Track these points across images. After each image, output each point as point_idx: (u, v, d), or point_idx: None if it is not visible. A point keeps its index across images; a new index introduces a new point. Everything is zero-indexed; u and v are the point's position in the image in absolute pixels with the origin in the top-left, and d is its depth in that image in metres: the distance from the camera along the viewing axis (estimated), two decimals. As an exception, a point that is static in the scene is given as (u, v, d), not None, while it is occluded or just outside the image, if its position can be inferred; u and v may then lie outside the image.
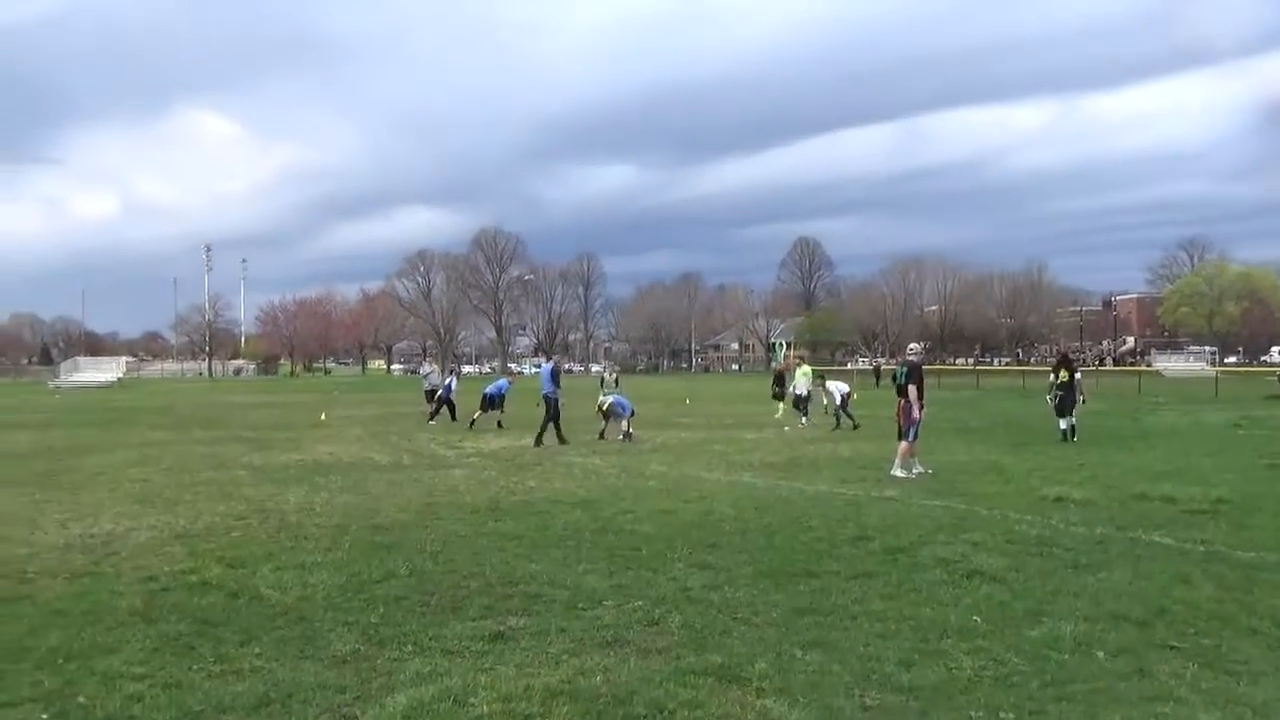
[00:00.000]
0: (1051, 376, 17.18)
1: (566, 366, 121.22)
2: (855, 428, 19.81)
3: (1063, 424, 16.36)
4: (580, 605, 5.83)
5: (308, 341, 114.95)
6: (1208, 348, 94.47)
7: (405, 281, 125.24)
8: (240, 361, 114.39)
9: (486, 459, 14.62)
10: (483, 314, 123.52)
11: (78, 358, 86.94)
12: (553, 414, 17.13)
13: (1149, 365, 75.24)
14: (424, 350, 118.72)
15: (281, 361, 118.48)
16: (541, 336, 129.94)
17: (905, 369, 12.55)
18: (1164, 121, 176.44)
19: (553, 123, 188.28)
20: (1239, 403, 30.77)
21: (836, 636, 5.21)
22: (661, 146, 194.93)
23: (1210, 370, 54.55)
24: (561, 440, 16.94)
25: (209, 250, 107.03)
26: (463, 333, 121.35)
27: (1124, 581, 6.37)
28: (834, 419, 20.58)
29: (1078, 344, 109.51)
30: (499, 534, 8.18)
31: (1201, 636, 5.18)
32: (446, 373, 27.94)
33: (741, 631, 5.32)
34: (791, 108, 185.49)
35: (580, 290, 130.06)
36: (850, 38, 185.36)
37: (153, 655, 4.92)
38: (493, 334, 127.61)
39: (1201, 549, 7.39)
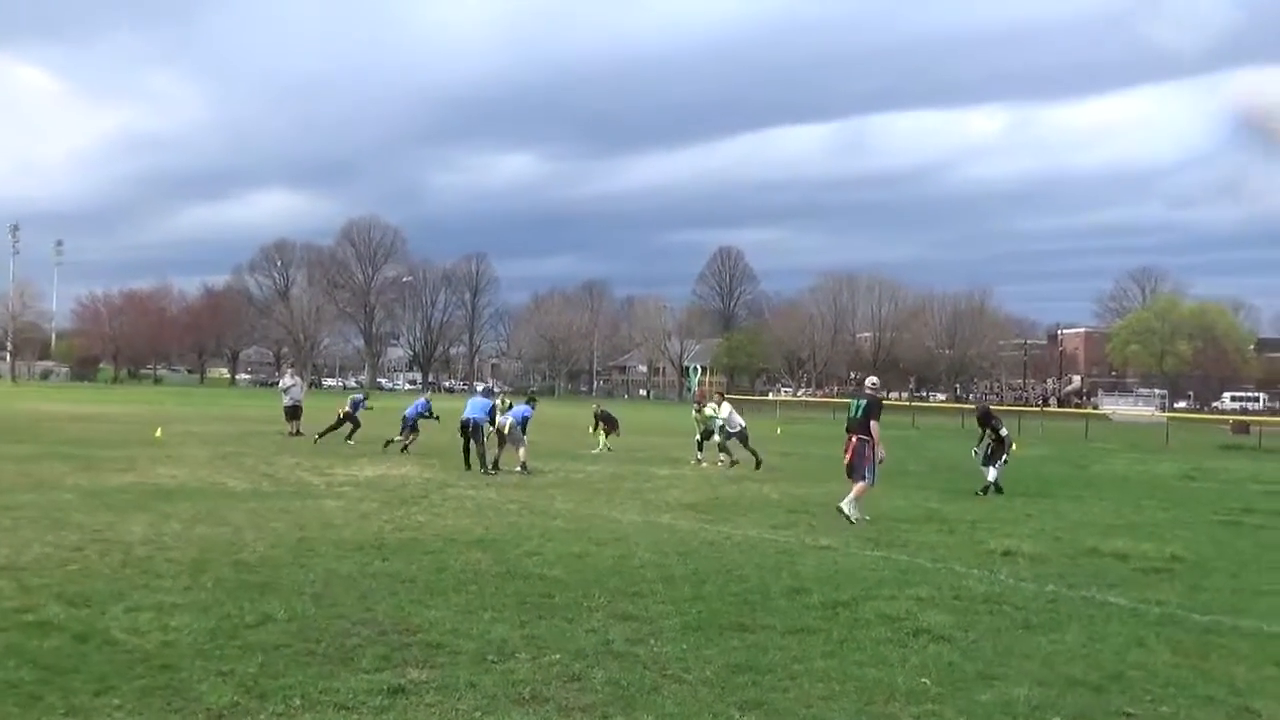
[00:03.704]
0: (980, 430, 17.49)
1: (448, 385, 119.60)
2: (748, 465, 20.08)
3: (991, 474, 16.65)
4: (490, 657, 5.94)
5: (135, 342, 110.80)
6: (1157, 390, 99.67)
7: (259, 277, 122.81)
8: (50, 363, 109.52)
9: (363, 489, 14.51)
10: (350, 319, 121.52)
11: None
12: (478, 439, 18.07)
13: (1096, 407, 79.02)
14: (277, 358, 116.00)
15: (101, 365, 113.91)
16: (418, 348, 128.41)
17: (863, 404, 13.03)
18: (1123, 138, 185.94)
19: (443, 99, 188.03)
20: (1191, 452, 32.72)
21: (776, 697, 5.45)
22: (568, 135, 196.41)
23: (1161, 416, 57.67)
24: (467, 466, 17.96)
25: (16, 230, 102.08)
26: (325, 340, 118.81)
27: (1077, 643, 6.83)
28: (727, 455, 20.55)
29: (1020, 381, 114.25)
30: (388, 575, 8.21)
31: (1159, 704, 5.61)
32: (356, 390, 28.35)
33: (673, 690, 5.51)
34: (719, 99, 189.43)
35: (467, 296, 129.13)
36: (789, 25, 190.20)
37: (-11, 707, 4.83)
38: (361, 343, 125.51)
39: (1157, 610, 7.95)
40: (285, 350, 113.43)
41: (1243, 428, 47.07)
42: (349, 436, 23.51)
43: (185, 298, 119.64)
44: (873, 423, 12.78)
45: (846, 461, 12.97)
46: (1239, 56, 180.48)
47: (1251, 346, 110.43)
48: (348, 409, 24.13)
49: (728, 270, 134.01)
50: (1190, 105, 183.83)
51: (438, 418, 22.61)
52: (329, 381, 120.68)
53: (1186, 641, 6.98)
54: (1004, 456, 16.77)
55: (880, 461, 12.95)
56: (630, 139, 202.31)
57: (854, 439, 12.87)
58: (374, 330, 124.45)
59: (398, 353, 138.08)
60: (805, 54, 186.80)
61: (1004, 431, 16.83)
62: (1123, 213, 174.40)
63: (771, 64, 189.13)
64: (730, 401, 22.91)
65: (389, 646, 6.10)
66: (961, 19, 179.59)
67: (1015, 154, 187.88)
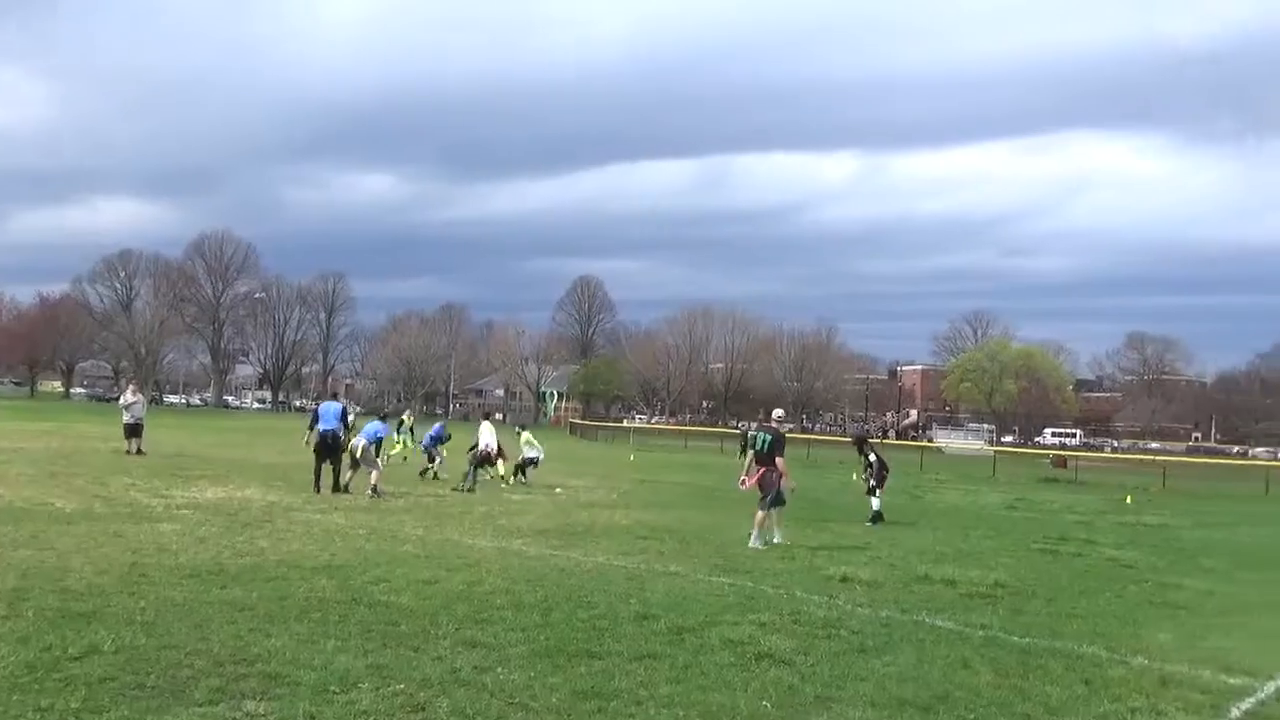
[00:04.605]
0: (860, 457, 18.36)
1: (299, 403, 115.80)
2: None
3: (876, 503, 17.42)
4: (331, 688, 5.75)
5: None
6: (986, 425, 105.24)
7: (99, 287, 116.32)
8: None
9: (203, 512, 13.86)
10: (197, 334, 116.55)
11: None
12: (336, 457, 17.67)
13: (930, 440, 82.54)
14: (116, 372, 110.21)
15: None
16: (269, 366, 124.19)
17: (770, 438, 13.52)
18: (963, 190, 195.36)
19: (306, 113, 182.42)
20: (1015, 484, 34.50)
21: (622, 723, 5.46)
22: (432, 158, 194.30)
23: (988, 449, 60.66)
24: (317, 488, 17.35)
25: None
26: (169, 355, 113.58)
27: (908, 666, 7.08)
28: (468, 478, 19.82)
29: (862, 413, 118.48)
30: (226, 603, 7.85)
31: (981, 722, 5.88)
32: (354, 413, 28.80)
33: (518, 718, 5.45)
34: (587, 132, 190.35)
35: (322, 315, 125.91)
36: (657, 62, 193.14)
37: None
38: (208, 359, 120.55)
39: (981, 633, 8.33)
40: (125, 364, 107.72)
41: (1061, 462, 49.81)
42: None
43: (17, 306, 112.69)
44: (778, 458, 13.31)
45: (757, 488, 13.41)
46: (1069, 120, 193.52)
47: (1070, 387, 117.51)
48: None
49: (587, 299, 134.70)
50: (1025, 161, 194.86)
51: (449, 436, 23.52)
52: (171, 398, 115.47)
53: (1007, 662, 7.33)
54: (885, 482, 17.53)
55: (793, 490, 13.63)
56: (495, 165, 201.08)
57: (762, 470, 13.37)
58: (222, 346, 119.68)
59: (247, 370, 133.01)
60: (672, 93, 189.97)
61: (873, 457, 17.59)
62: (960, 259, 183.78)
63: (639, 102, 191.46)
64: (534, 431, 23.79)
65: (224, 678, 5.82)
66: (818, 70, 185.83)
67: (865, 199, 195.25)
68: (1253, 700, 6.70)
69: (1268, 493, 35.05)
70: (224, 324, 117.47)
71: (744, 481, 13.93)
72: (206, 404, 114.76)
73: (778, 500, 13.35)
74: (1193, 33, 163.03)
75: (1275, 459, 72.16)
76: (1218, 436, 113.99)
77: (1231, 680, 7.22)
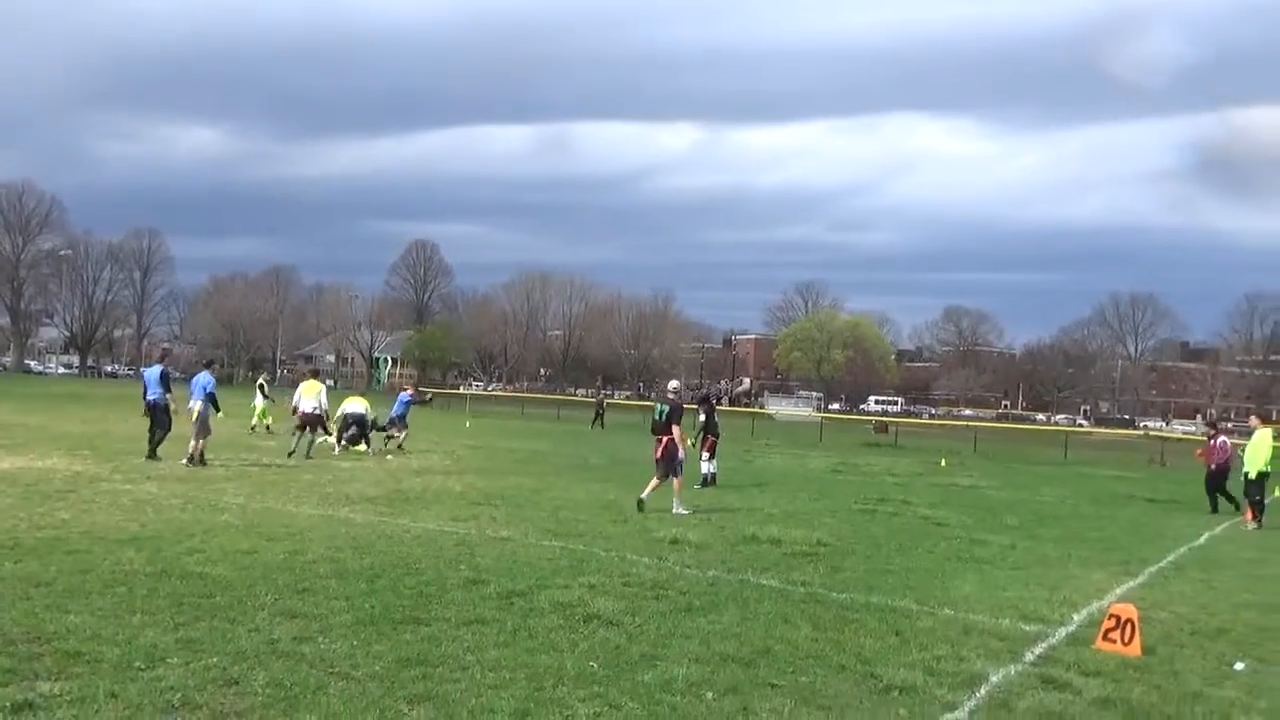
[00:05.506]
0: (697, 415, 18.75)
1: (111, 369, 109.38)
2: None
3: (706, 467, 17.80)
4: (137, 664, 5.46)
5: None
6: (815, 393, 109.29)
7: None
8: None
9: (-3, 483, 12.92)
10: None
11: None
12: (164, 423, 17.23)
13: (762, 407, 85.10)
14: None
15: None
16: (77, 329, 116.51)
17: (666, 410, 13.90)
18: (795, 164, 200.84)
19: (121, 56, 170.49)
20: (840, 448, 35.96)
21: (447, 689, 5.40)
22: (259, 112, 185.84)
23: (816, 416, 62.98)
24: (153, 454, 16.92)
25: None
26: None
27: (733, 623, 7.28)
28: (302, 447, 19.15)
29: (697, 381, 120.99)
30: (20, 578, 7.34)
31: (799, 675, 6.10)
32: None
33: (339, 687, 5.32)
34: (419, 90, 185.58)
35: (136, 275, 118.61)
36: (498, 24, 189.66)
37: None
38: (6, 320, 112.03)
39: (802, 590, 8.64)
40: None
41: (883, 428, 52.29)
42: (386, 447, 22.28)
43: None
44: (675, 426, 13.67)
45: (659, 460, 13.74)
46: (891, 103, 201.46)
47: (893, 357, 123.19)
48: (394, 414, 23.03)
49: (422, 263, 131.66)
50: (852, 139, 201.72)
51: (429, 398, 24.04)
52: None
53: (825, 617, 7.63)
54: (715, 448, 18.00)
55: (683, 459, 13.86)
56: (326, 123, 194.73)
57: (664, 440, 13.65)
58: (23, 308, 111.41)
59: (52, 333, 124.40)
60: (510, 56, 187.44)
61: (702, 418, 17.97)
62: (794, 231, 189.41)
63: (477, 62, 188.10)
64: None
65: (15, 658, 5.45)
66: (656, 39, 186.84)
67: (704, 170, 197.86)
68: (1045, 645, 7.20)
69: (1067, 456, 37.70)
70: (25, 283, 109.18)
71: (659, 454, 14.01)
72: (5, 369, 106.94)
73: (679, 467, 13.70)
74: (996, 25, 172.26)
75: (1074, 425, 77.82)
76: (1024, 404, 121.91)
77: (1027, 627, 7.75)
